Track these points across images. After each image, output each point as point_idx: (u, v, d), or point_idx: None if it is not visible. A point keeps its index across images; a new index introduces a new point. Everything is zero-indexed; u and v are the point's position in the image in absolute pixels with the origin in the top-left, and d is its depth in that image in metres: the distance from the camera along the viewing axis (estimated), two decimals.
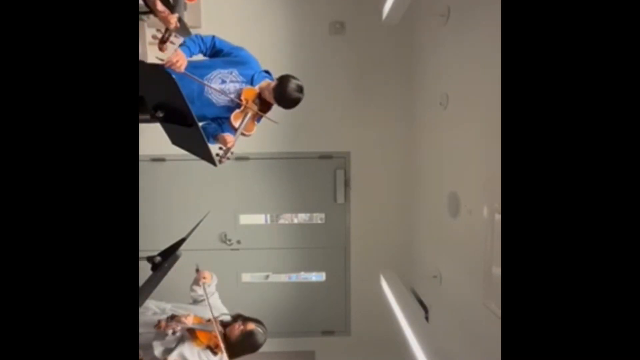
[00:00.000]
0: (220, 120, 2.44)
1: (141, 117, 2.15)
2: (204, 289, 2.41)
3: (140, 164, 4.05)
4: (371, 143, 4.41)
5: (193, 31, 2.67)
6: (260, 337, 2.29)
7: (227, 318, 2.38)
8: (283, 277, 4.61)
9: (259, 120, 2.44)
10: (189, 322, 2.24)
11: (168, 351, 2.21)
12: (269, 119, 2.40)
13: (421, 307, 3.70)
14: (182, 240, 2.40)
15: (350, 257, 4.53)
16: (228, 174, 4.32)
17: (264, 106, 2.41)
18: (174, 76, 1.92)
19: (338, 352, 4.52)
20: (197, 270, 2.54)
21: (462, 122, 3.10)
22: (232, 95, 2.34)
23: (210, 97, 2.38)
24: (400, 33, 4.21)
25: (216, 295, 2.59)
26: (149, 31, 3.49)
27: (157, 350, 2.21)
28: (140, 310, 2.30)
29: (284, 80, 2.31)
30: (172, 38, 2.28)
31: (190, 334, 2.23)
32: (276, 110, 2.45)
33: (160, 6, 2.14)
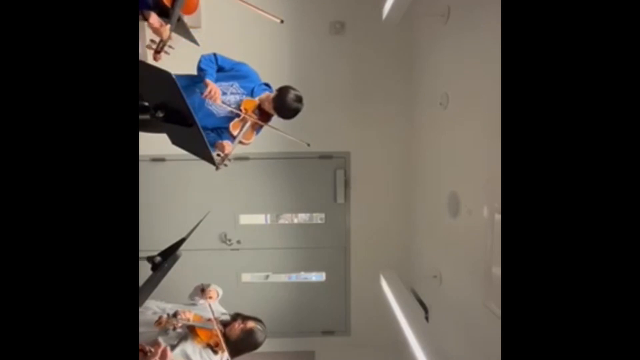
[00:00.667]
0: (220, 130, 2.51)
1: (141, 117, 2.15)
2: (210, 308, 2.36)
3: (140, 164, 4.05)
4: (371, 143, 4.41)
5: (193, 32, 2.67)
6: (260, 335, 2.29)
7: (227, 317, 2.39)
8: (283, 277, 4.61)
9: (258, 131, 2.52)
10: (190, 318, 2.25)
11: (170, 348, 2.21)
12: (267, 125, 2.45)
13: (421, 307, 3.69)
14: (182, 240, 2.40)
15: (350, 257, 4.53)
16: (228, 174, 4.29)
17: (263, 117, 2.48)
18: (174, 76, 1.93)
19: (338, 352, 4.51)
20: (203, 291, 2.53)
21: (462, 122, 3.10)
22: (233, 106, 2.41)
23: (211, 108, 2.46)
24: (400, 33, 4.20)
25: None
26: (149, 31, 3.50)
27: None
28: (141, 310, 2.31)
29: (283, 90, 2.39)
30: (166, 48, 2.34)
31: (191, 331, 2.24)
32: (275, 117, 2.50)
33: (153, 18, 2.17)
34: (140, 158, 3.59)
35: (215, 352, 2.24)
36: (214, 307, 2.46)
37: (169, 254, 2.29)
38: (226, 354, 2.23)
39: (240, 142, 2.45)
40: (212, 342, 2.22)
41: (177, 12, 2.24)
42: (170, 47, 2.25)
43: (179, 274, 2.57)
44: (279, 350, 4.28)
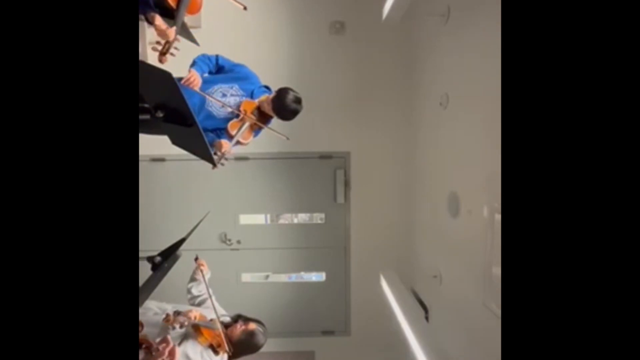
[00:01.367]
0: (219, 131, 2.53)
1: (141, 117, 2.15)
2: (204, 279, 2.43)
3: (140, 164, 4.05)
4: (371, 143, 4.41)
5: (193, 31, 2.67)
6: (261, 337, 2.30)
7: (227, 319, 2.39)
8: (283, 277, 4.61)
9: (257, 132, 2.52)
10: (197, 316, 2.26)
11: None
12: (266, 127, 2.47)
13: (421, 307, 3.70)
14: (182, 241, 2.40)
15: (350, 257, 4.53)
16: (228, 174, 4.31)
17: (262, 119, 2.49)
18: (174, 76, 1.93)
19: (338, 352, 4.52)
20: (196, 259, 2.57)
21: (462, 122, 3.10)
22: (232, 107, 2.42)
23: (211, 109, 2.48)
24: (400, 33, 4.21)
25: (214, 297, 2.59)
26: (149, 31, 3.50)
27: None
28: (141, 310, 2.30)
29: (282, 92, 2.40)
30: (171, 50, 2.33)
31: (196, 330, 2.24)
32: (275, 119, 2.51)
33: (158, 20, 2.16)
34: (140, 158, 3.59)
35: (217, 353, 2.24)
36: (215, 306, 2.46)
37: (169, 254, 2.29)
38: (226, 355, 2.23)
39: (239, 142, 2.45)
40: (214, 343, 2.22)
41: (183, 13, 2.21)
42: (175, 48, 2.25)
43: (179, 274, 2.57)
44: (279, 350, 4.28)
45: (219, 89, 2.45)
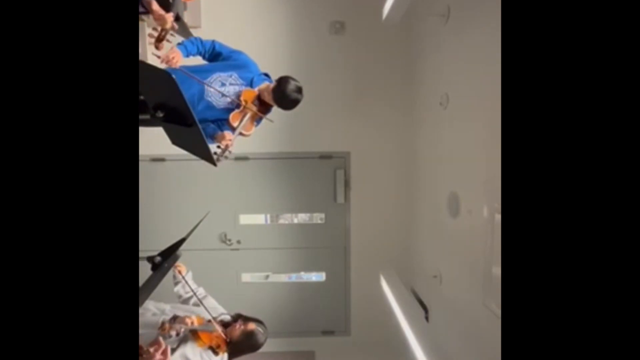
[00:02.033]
0: (220, 122, 2.47)
1: (141, 117, 2.15)
2: (183, 278, 2.43)
3: (140, 164, 4.05)
4: (371, 143, 4.41)
5: (193, 31, 2.68)
6: (261, 336, 2.29)
7: (227, 318, 2.38)
8: (283, 277, 4.61)
9: (258, 122, 2.48)
10: (194, 322, 2.25)
11: (171, 351, 2.20)
12: (265, 117, 2.42)
13: (421, 307, 3.70)
14: (182, 240, 2.39)
15: (350, 257, 4.53)
16: (228, 174, 4.32)
17: (263, 108, 2.44)
18: (174, 76, 1.92)
19: (338, 352, 4.51)
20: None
21: (462, 122, 3.10)
22: (232, 97, 2.37)
23: (210, 99, 2.42)
24: (400, 33, 4.21)
25: (209, 296, 2.58)
26: (149, 31, 3.50)
27: None
28: (140, 311, 2.30)
29: (283, 81, 2.34)
30: (168, 37, 2.28)
31: (193, 334, 2.23)
32: (276, 111, 2.47)
33: (155, 6, 2.13)
34: (140, 158, 3.59)
35: (216, 353, 2.24)
36: (212, 305, 2.45)
37: (169, 254, 2.29)
38: (226, 355, 2.23)
39: (241, 134, 2.40)
40: (213, 344, 2.21)
41: None
42: (172, 34, 2.21)
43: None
44: (279, 350, 4.28)
45: (217, 77, 2.39)
